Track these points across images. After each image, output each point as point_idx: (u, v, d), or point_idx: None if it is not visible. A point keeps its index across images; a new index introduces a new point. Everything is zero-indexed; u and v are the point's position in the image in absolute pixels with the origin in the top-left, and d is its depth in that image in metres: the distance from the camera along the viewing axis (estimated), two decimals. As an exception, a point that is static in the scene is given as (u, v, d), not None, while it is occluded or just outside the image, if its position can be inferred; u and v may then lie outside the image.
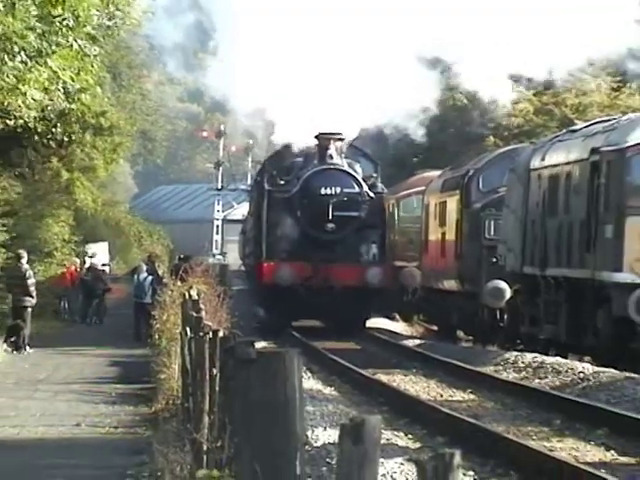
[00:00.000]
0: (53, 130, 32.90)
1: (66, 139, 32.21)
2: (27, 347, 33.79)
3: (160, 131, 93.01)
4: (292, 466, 5.70)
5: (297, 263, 41.82)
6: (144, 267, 42.44)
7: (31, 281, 34.52)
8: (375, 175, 44.57)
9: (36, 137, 30.82)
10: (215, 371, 9.74)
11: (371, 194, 43.00)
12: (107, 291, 48.31)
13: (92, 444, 18.11)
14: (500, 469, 16.06)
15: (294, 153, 45.08)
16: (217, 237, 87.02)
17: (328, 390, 25.62)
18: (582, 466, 15.73)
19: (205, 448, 9.54)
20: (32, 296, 34.53)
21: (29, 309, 34.48)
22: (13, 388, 25.34)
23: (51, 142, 31.87)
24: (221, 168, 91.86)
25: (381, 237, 44.38)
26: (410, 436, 19.12)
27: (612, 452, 18.06)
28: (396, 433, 18.85)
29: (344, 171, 42.97)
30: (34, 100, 27.73)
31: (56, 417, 21.11)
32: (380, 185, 44.41)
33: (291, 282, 41.31)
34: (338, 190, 42.07)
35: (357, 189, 42.55)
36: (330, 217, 41.79)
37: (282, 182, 43.92)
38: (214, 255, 78.56)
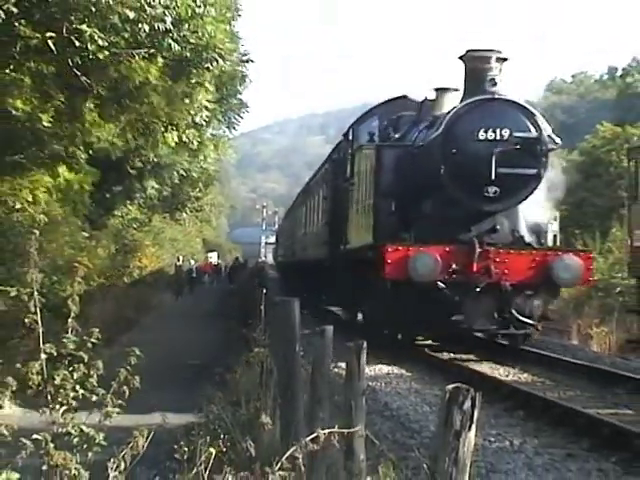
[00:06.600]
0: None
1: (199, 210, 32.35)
2: (181, 297, 33.66)
3: (239, 206, 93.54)
4: (294, 345, 5.63)
5: (440, 248, 9.25)
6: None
7: (183, 267, 34.89)
8: None
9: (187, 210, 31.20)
10: (262, 307, 9.58)
11: (557, 140, 9.88)
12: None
13: (205, 340, 17.69)
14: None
15: (396, 108, 12.58)
16: (262, 250, 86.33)
17: (309, 316, 25.27)
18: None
19: (256, 339, 9.38)
20: (182, 274, 34.83)
21: (183, 278, 34.71)
22: (178, 315, 25.01)
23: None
24: (264, 221, 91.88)
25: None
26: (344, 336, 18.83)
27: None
28: (338, 335, 18.53)
29: (515, 103, 9.57)
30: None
31: (182, 327, 20.82)
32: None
33: (434, 277, 9.27)
34: (506, 133, 9.33)
35: (535, 133, 9.49)
36: (493, 176, 9.38)
37: (396, 136, 11.69)
38: (260, 258, 78.40)
